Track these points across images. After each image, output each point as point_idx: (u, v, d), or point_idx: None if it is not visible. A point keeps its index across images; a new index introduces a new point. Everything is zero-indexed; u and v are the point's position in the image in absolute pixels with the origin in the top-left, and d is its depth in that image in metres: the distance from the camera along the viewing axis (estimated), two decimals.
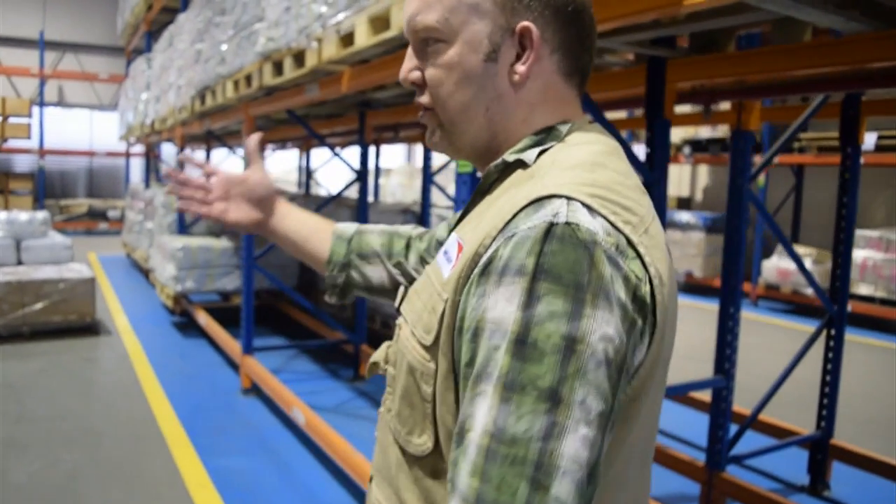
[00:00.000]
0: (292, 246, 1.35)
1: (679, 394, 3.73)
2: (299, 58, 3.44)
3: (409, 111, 4.64)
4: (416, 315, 0.88)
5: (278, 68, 3.71)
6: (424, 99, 0.93)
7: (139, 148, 14.02)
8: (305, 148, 9.17)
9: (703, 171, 12.26)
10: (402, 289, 1.03)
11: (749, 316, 8.48)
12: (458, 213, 1.02)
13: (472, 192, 0.99)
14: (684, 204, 11.61)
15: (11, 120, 14.43)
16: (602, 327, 0.70)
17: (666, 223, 9.84)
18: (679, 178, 12.73)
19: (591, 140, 0.89)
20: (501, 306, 0.72)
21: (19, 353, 5.73)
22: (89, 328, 6.40)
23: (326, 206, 5.34)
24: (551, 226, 0.73)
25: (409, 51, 0.94)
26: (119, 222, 15.38)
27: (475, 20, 0.88)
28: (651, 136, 2.77)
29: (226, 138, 8.34)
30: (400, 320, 0.95)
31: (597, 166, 0.83)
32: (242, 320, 4.89)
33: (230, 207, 1.31)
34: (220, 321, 6.10)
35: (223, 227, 6.92)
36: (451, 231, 1.04)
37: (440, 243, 1.20)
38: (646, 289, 0.76)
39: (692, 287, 10.38)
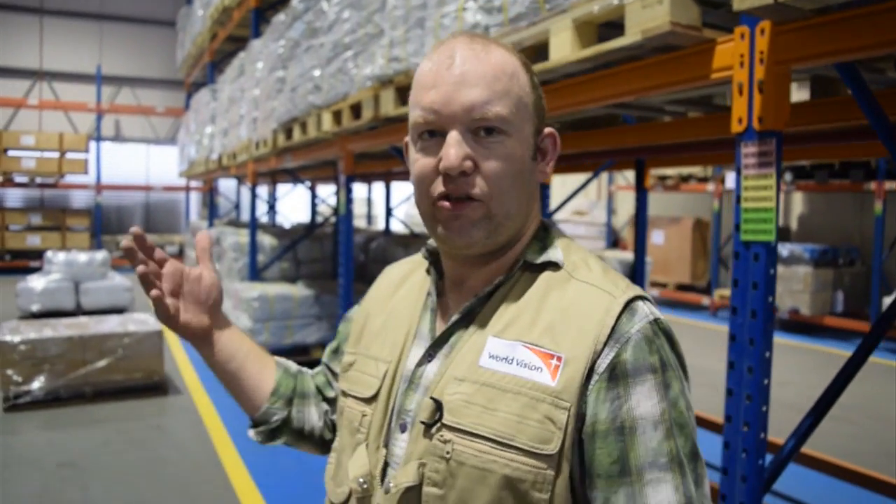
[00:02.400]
0: (230, 366, 1.19)
1: None
2: None
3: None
4: (506, 425, 0.87)
5: (404, 94, 3.02)
6: (477, 191, 0.93)
7: (198, 182, 13.59)
8: (387, 181, 8.53)
9: (798, 198, 11.34)
10: (427, 401, 0.95)
11: (869, 359, 7.53)
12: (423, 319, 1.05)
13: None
14: (782, 235, 10.70)
15: (69, 155, 14.20)
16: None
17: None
18: None
19: (567, 237, 1.05)
20: (644, 403, 0.86)
21: (81, 418, 5.11)
22: (157, 387, 5.77)
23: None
24: (650, 324, 0.90)
25: (457, 137, 0.92)
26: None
27: (526, 118, 0.96)
28: None
29: (298, 172, 7.73)
30: (448, 434, 0.91)
31: (604, 263, 1.00)
32: None
33: (182, 306, 1.14)
34: None
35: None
36: (448, 329, 1.00)
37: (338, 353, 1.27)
38: None
39: (797, 326, 9.44)
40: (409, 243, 6.57)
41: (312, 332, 5.92)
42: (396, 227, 10.18)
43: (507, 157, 0.93)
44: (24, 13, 15.54)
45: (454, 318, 0.99)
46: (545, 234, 1.02)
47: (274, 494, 3.89)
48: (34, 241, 14.05)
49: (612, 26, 1.91)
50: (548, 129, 1.00)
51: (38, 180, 14.33)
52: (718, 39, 1.68)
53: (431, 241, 1.08)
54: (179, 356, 7.08)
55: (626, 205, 13.85)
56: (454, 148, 0.91)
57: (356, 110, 3.56)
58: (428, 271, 1.09)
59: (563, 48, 1.91)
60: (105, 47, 16.24)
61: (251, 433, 1.24)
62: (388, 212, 8.67)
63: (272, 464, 4.30)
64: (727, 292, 10.33)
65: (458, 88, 0.92)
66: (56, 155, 14.01)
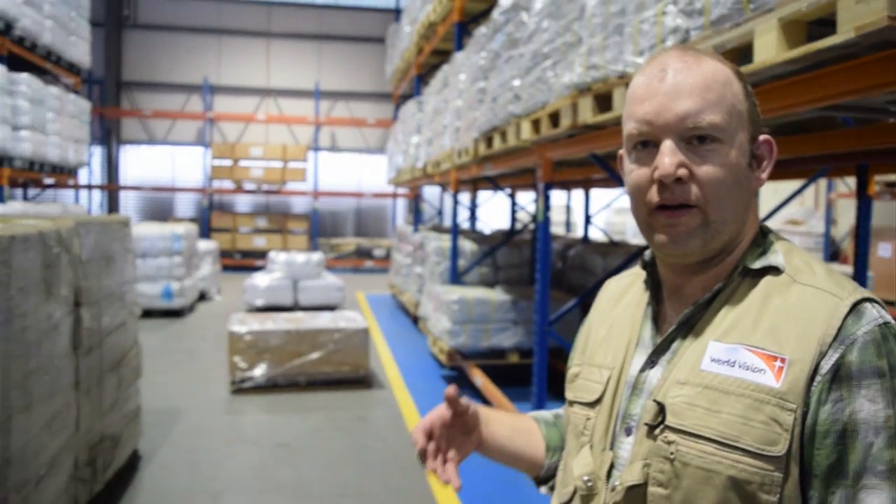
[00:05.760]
0: (506, 451, 1.25)
1: None
2: None
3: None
4: (729, 427, 0.89)
5: (602, 102, 3.03)
6: (693, 198, 0.95)
7: (404, 189, 14.28)
8: (586, 188, 8.50)
9: None
10: (650, 403, 0.97)
11: None
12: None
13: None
14: None
15: (291, 165, 15.51)
16: None
17: None
18: None
19: (787, 241, 1.03)
20: (868, 407, 0.85)
21: (295, 405, 5.57)
22: (362, 380, 6.15)
23: (636, 258, 4.55)
24: (879, 328, 0.88)
25: (671, 146, 0.95)
26: (384, 261, 15.78)
27: (740, 125, 0.97)
28: None
29: (497, 179, 7.90)
30: (672, 436, 0.93)
31: (827, 266, 0.97)
32: (533, 395, 4.24)
33: (457, 448, 1.19)
34: (493, 378, 5.55)
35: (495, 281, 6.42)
36: (669, 336, 1.02)
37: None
38: None
39: None
40: (607, 252, 6.50)
41: (509, 337, 6.02)
42: (595, 234, 10.08)
43: (722, 164, 0.95)
44: (254, 37, 17.18)
45: (674, 325, 1.02)
46: (764, 239, 1.03)
47: (467, 490, 4.02)
48: (260, 242, 15.52)
49: (822, 24, 1.81)
50: (763, 136, 1.01)
51: (265, 187, 15.78)
52: None
53: (648, 252, 1.11)
54: (383, 353, 7.49)
55: (848, 214, 12.75)
56: (668, 156, 0.95)
57: (554, 118, 3.61)
58: (646, 282, 1.12)
59: (769, 49, 1.84)
60: (322, 65, 17.52)
61: (542, 490, 1.29)
62: (587, 219, 8.61)
63: (466, 461, 4.43)
64: None
65: (670, 99, 0.95)
66: (280, 164, 15.41)
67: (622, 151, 1.07)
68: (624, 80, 2.77)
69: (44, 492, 2.86)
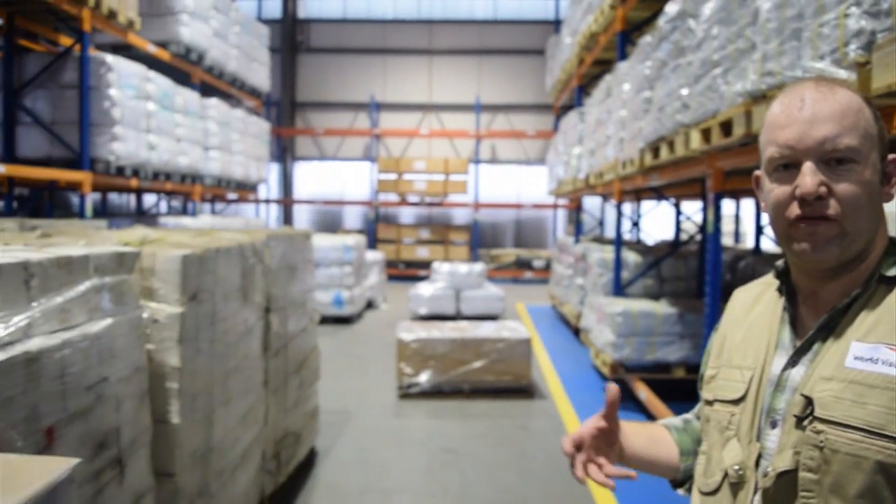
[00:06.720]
0: (643, 460, 1.35)
1: None
2: None
3: None
4: (876, 417, 0.98)
5: None
6: (832, 212, 1.05)
7: (564, 200, 14.25)
8: (757, 198, 8.13)
9: None
10: (798, 397, 1.06)
11: None
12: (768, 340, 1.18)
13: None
14: None
15: (452, 177, 15.91)
16: None
17: None
18: None
19: None
20: None
21: (460, 411, 5.71)
22: (524, 390, 6.21)
23: None
24: None
25: (811, 167, 1.06)
26: (543, 272, 15.79)
27: (872, 147, 1.08)
28: None
29: (662, 189, 7.74)
30: (821, 426, 1.02)
31: None
32: None
33: (606, 457, 1.29)
34: (657, 393, 5.43)
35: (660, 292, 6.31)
36: (811, 339, 1.11)
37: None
38: None
39: None
40: None
41: (674, 351, 5.88)
42: (767, 245, 9.59)
43: (858, 182, 1.05)
44: (417, 55, 17.81)
45: (815, 328, 1.11)
46: (894, 248, 1.12)
47: (624, 500, 3.98)
48: (423, 253, 16.04)
49: None
50: (892, 156, 1.12)
51: (427, 200, 16.29)
52: None
53: (781, 262, 1.21)
54: (544, 364, 7.52)
55: None
56: (809, 177, 1.05)
57: (726, 127, 3.52)
58: (780, 289, 1.21)
59: None
60: (482, 78, 17.84)
61: (680, 492, 1.39)
62: (759, 229, 8.22)
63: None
64: None
65: (810, 126, 1.06)
66: (442, 177, 15.87)
67: (759, 172, 1.19)
68: None
69: (238, 480, 3.14)
